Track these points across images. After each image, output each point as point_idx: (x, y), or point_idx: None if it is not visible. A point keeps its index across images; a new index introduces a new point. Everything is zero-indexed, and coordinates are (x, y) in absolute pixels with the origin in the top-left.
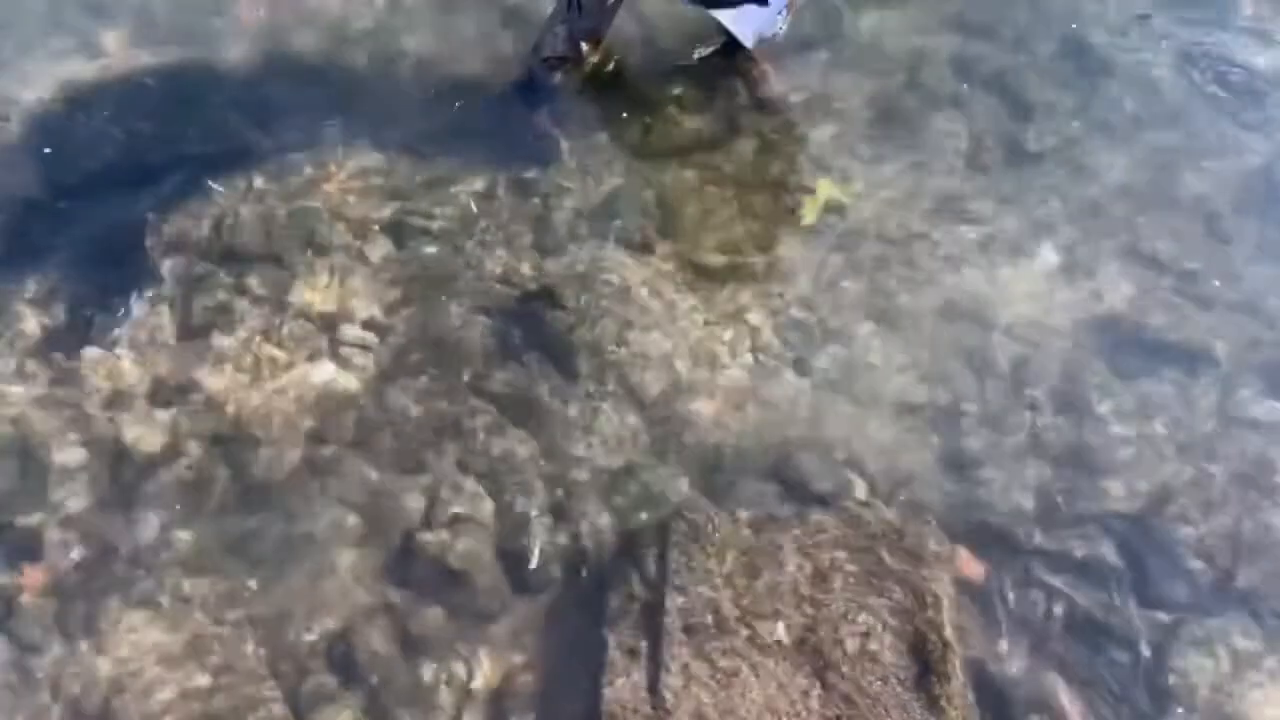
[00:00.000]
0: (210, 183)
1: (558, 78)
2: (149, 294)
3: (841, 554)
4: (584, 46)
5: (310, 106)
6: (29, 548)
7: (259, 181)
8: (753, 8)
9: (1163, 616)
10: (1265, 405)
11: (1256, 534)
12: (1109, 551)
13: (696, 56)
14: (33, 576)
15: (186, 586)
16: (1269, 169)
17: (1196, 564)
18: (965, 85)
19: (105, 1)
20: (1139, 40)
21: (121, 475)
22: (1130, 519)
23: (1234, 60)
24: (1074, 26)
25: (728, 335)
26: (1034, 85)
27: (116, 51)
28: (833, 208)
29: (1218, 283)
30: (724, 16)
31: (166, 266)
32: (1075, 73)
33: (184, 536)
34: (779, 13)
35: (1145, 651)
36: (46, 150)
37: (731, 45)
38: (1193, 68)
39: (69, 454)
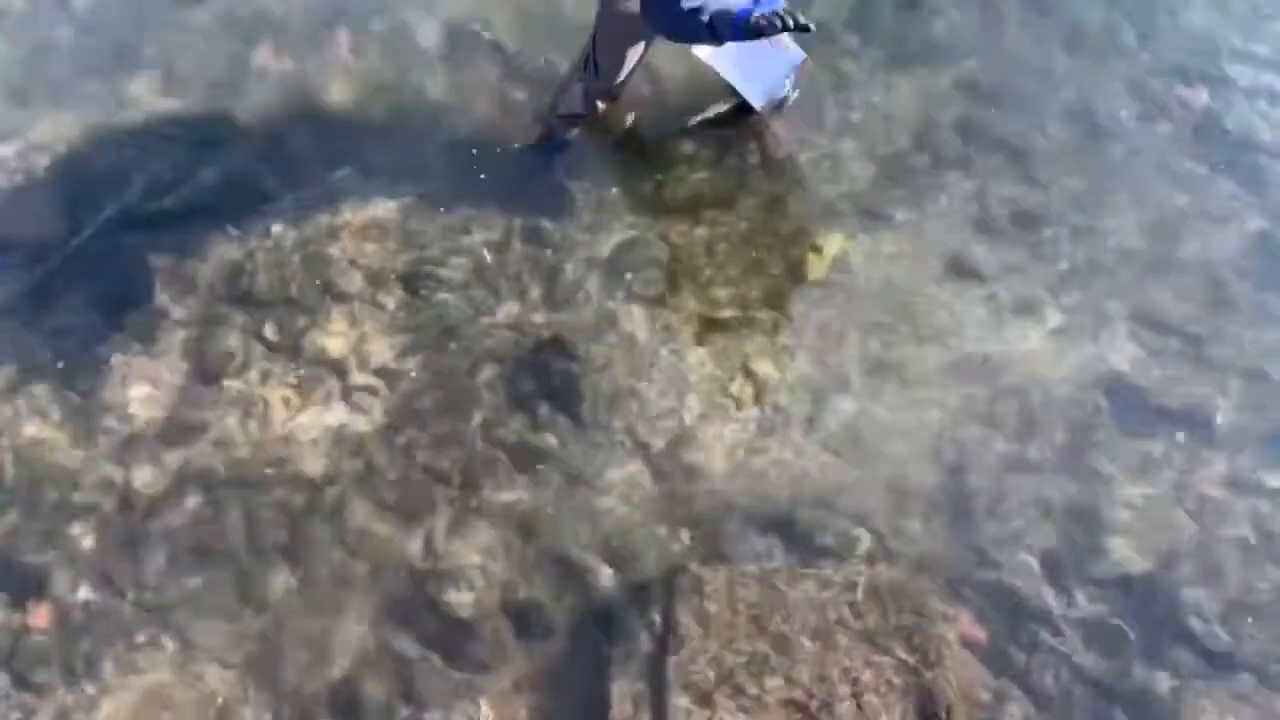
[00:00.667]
0: (229, 227)
1: (573, 134)
2: (163, 336)
3: (846, 611)
4: (599, 105)
5: (329, 155)
6: (36, 585)
7: (277, 228)
8: (763, 60)
9: (1168, 679)
10: (1270, 470)
11: (1262, 598)
12: (1114, 613)
13: (710, 115)
14: (39, 614)
15: (191, 629)
16: (1271, 236)
17: (1202, 627)
18: (972, 149)
19: (134, 50)
20: (1143, 108)
21: (130, 515)
22: (1136, 581)
23: (1236, 130)
24: (1080, 94)
25: (735, 388)
26: (1040, 150)
27: (143, 98)
28: (841, 265)
29: (1222, 347)
30: (734, 78)
31: (182, 309)
32: (1081, 138)
33: (190, 578)
34: (787, 76)
35: (1151, 715)
36: (70, 193)
37: (742, 106)
38: (1196, 136)
39: (79, 493)
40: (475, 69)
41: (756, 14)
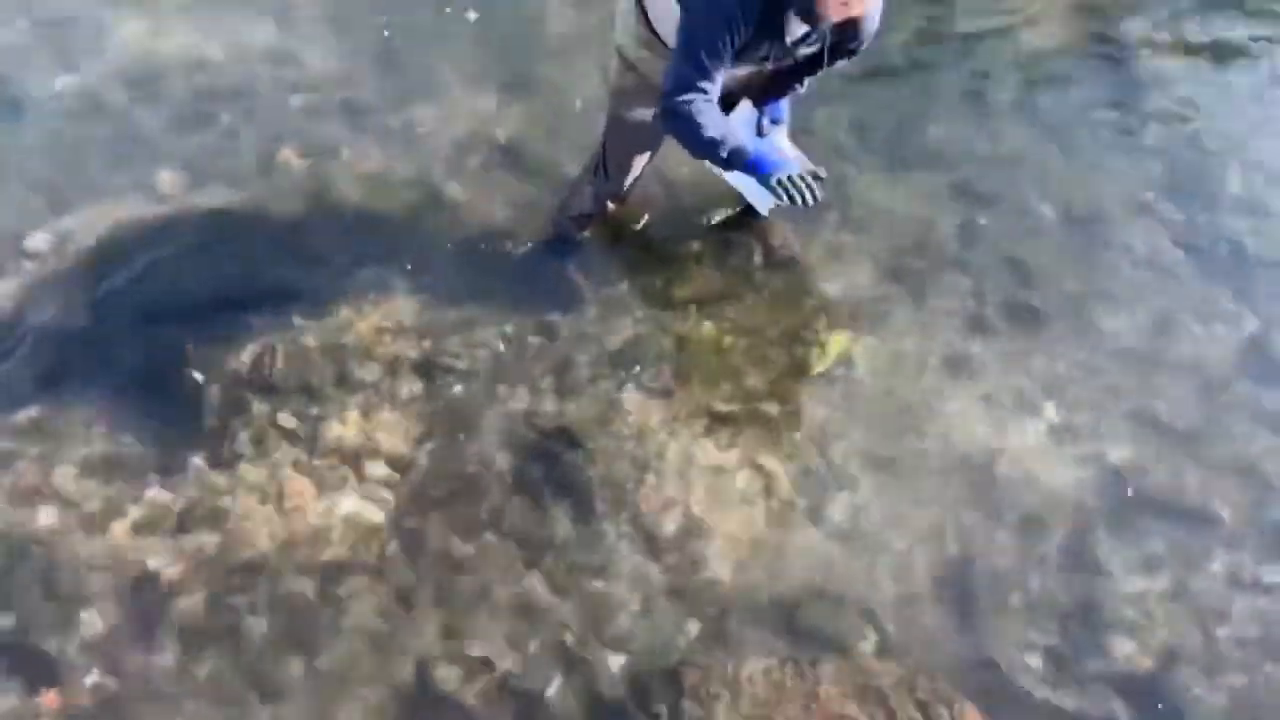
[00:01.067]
0: (251, 318)
1: (583, 233)
2: (183, 424)
3: (852, 705)
4: (609, 206)
5: (349, 251)
6: (48, 671)
7: (297, 319)
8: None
9: None
10: (1270, 568)
11: (1265, 696)
12: (1118, 711)
13: (718, 218)
14: (50, 700)
15: (201, 718)
16: (1263, 338)
17: None
18: (969, 250)
19: (165, 147)
20: (1136, 213)
21: (144, 602)
22: (1139, 679)
23: (1225, 235)
24: (1073, 199)
25: (741, 481)
26: (1036, 251)
27: (172, 194)
28: (844, 360)
29: (1219, 447)
30: (741, 185)
31: (203, 398)
32: (1076, 241)
33: (202, 666)
34: None
35: None
36: (98, 282)
37: (749, 209)
38: (1187, 241)
39: (93, 579)
40: (490, 169)
41: (780, 176)
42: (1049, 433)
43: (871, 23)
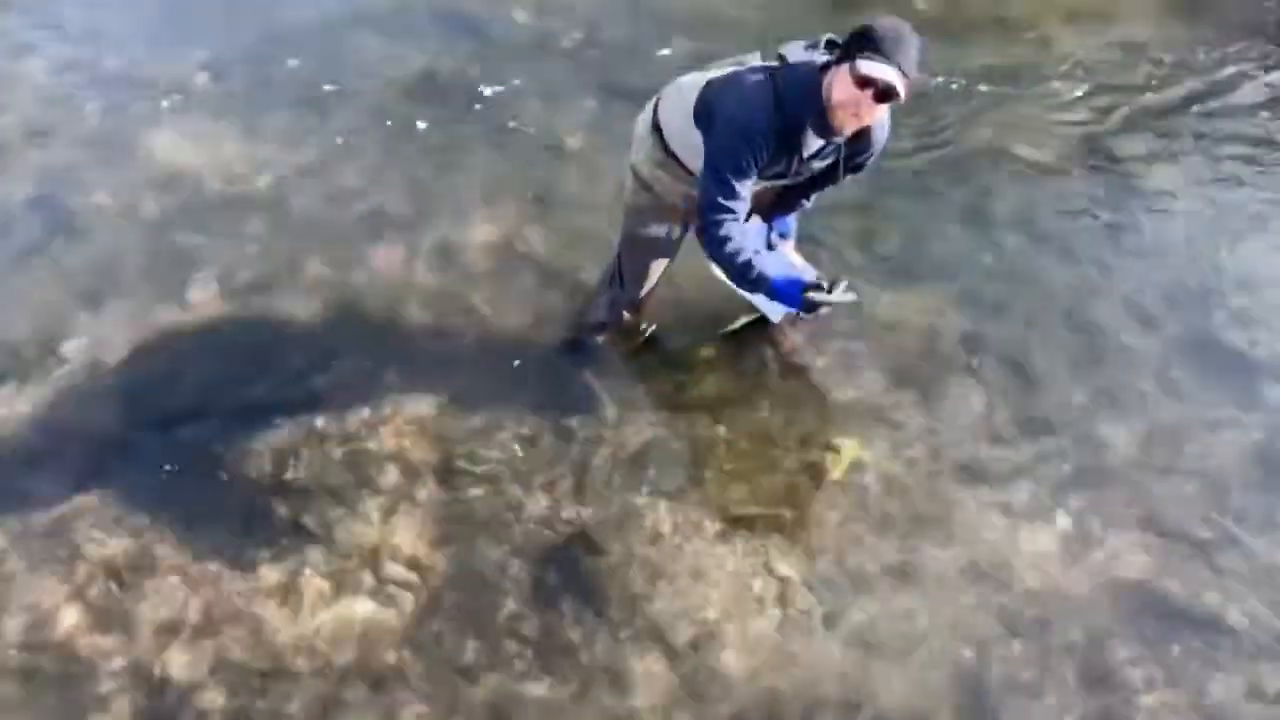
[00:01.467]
0: (276, 422)
1: (600, 340)
2: (205, 526)
3: None
4: (625, 314)
5: (372, 356)
6: None
7: (320, 423)
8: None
9: None
10: None
11: None
12: None
13: (733, 327)
14: None
15: None
16: (1268, 446)
17: None
18: (976, 358)
19: (196, 257)
20: (1137, 321)
21: (161, 704)
22: None
23: (1225, 343)
24: (1075, 307)
25: (757, 586)
26: (1041, 359)
27: (201, 302)
28: (857, 466)
29: (1231, 555)
30: (754, 297)
31: (226, 500)
32: (1080, 349)
33: None
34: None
35: None
36: (128, 389)
37: (761, 318)
38: (1188, 349)
39: (112, 680)
40: (510, 279)
41: (809, 299)
42: (1062, 540)
43: (881, 131)
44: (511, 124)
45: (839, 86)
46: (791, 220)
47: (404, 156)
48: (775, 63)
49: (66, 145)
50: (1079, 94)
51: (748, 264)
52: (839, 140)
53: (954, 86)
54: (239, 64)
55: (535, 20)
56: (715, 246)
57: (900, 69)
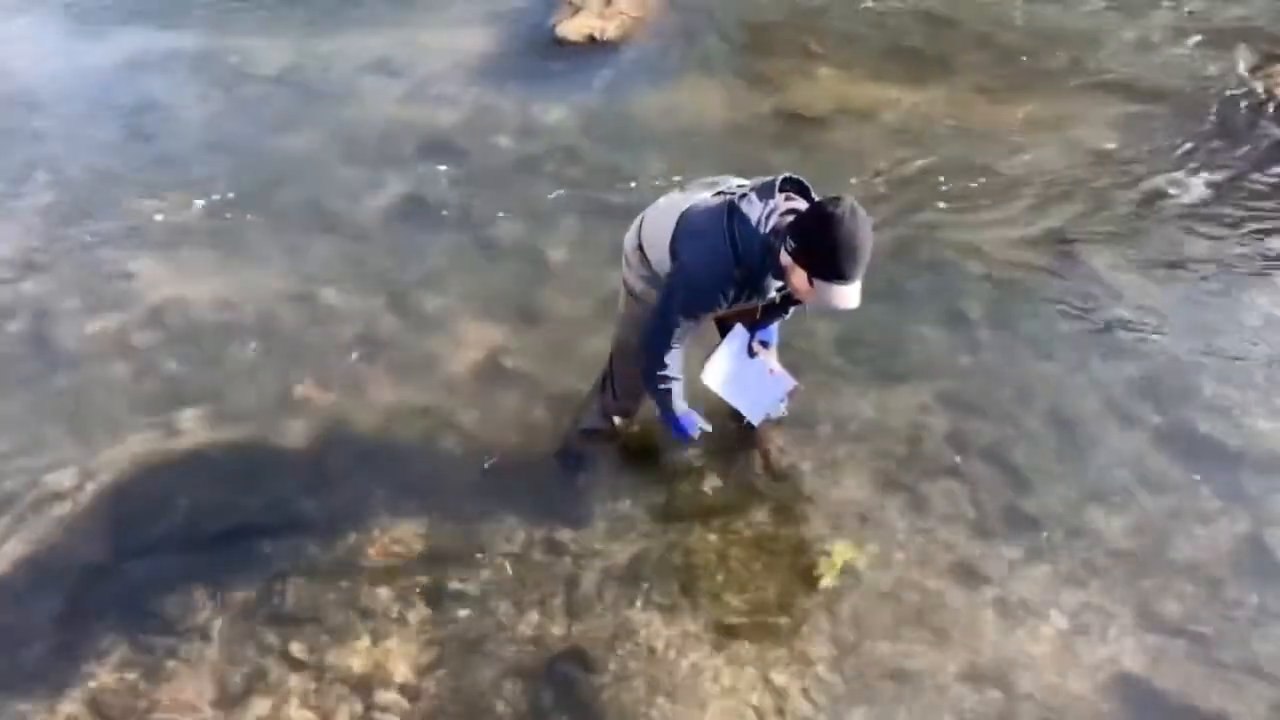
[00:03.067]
0: (265, 548)
1: (590, 448)
2: (193, 656)
3: None
4: (617, 421)
5: (362, 477)
6: None
7: (310, 547)
8: (762, 388)
9: None
10: None
11: None
12: None
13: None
14: None
15: None
16: (1257, 536)
17: None
18: (961, 457)
19: (186, 385)
20: (1117, 415)
21: None
22: None
23: (1204, 434)
24: (1055, 403)
25: (755, 699)
26: (1025, 456)
27: (190, 429)
28: (849, 569)
29: (1230, 649)
30: (737, 403)
31: (214, 629)
32: (1064, 444)
33: None
34: (781, 399)
35: None
36: (117, 518)
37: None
38: (1169, 441)
39: None
40: (496, 394)
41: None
42: (1059, 638)
43: None
44: (496, 243)
45: (797, 280)
46: (774, 330)
47: (390, 278)
48: (739, 194)
49: (56, 277)
50: (1043, 196)
51: (667, 393)
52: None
53: (923, 190)
54: (227, 195)
55: (517, 144)
56: (650, 365)
57: (859, 280)
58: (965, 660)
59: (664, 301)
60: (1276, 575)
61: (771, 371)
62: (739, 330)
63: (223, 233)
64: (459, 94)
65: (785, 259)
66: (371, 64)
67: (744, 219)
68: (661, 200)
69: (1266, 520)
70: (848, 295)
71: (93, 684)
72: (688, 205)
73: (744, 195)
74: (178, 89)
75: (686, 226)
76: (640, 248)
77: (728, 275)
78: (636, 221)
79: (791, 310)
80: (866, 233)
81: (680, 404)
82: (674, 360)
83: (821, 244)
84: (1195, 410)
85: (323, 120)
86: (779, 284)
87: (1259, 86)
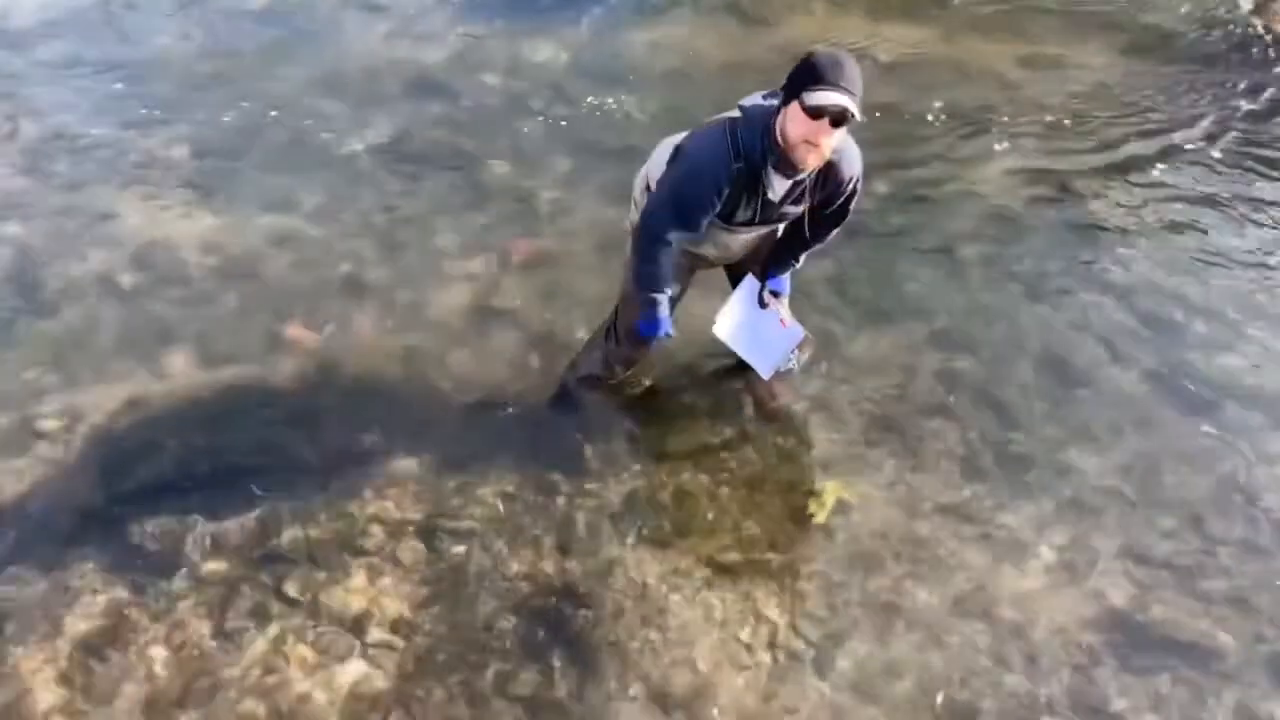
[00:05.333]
0: (256, 489)
1: (588, 394)
2: (188, 596)
3: None
4: (617, 370)
5: (354, 419)
6: None
7: (300, 488)
8: (771, 337)
9: None
10: (1277, 701)
11: None
12: None
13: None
14: None
15: None
16: (1240, 473)
17: None
18: (952, 397)
19: (173, 327)
20: (1107, 355)
21: None
22: None
23: (1195, 373)
24: (1046, 342)
25: (746, 633)
26: (1015, 396)
27: (179, 371)
28: (840, 508)
29: (1213, 581)
30: (745, 353)
31: (208, 570)
32: (1053, 384)
33: None
34: (791, 351)
35: None
36: (107, 461)
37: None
38: (1159, 380)
39: None
40: (487, 335)
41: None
42: (1046, 572)
43: (850, 167)
44: (485, 183)
45: (792, 123)
46: (785, 280)
47: (378, 219)
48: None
49: (41, 218)
50: (1040, 135)
51: (654, 280)
52: (805, 178)
53: (918, 129)
54: (212, 135)
55: (506, 82)
56: (646, 250)
57: (847, 90)
58: (953, 596)
59: (656, 197)
60: (1261, 511)
61: (783, 322)
62: (750, 280)
63: (208, 173)
64: (445, 31)
65: (779, 121)
66: (356, 1)
67: (747, 117)
68: (667, 138)
69: (1253, 459)
70: (836, 97)
71: (86, 625)
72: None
73: (748, 103)
74: (160, 28)
75: (688, 139)
76: (648, 187)
77: (724, 167)
78: (643, 168)
79: (802, 257)
80: (846, 56)
81: (661, 311)
82: (667, 263)
83: (802, 65)
84: (1186, 350)
85: (308, 59)
86: (784, 187)
87: (1259, 23)
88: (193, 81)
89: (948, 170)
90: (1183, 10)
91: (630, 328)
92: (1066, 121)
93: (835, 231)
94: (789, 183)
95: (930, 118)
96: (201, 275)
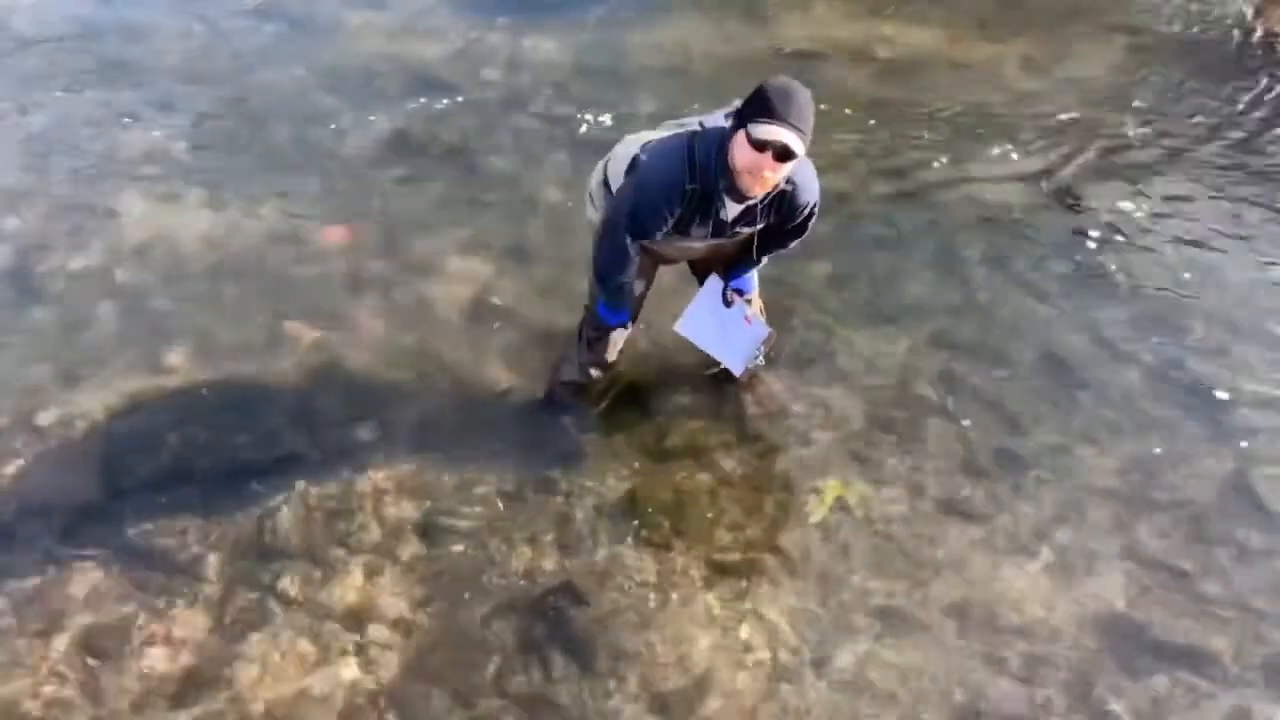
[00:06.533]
0: (255, 486)
1: (575, 395)
2: (186, 593)
3: None
4: (594, 374)
5: (352, 415)
6: None
7: (300, 484)
8: (738, 336)
9: None
10: (1276, 704)
11: None
12: None
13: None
14: None
15: None
16: (1240, 474)
17: None
18: (952, 397)
19: (173, 323)
20: (1107, 356)
21: None
22: None
23: (1194, 376)
24: (1046, 344)
25: (745, 633)
26: (1015, 397)
27: (178, 366)
28: (840, 508)
29: (1212, 583)
30: (714, 352)
31: (206, 566)
32: (1053, 385)
33: None
34: (757, 348)
35: None
36: (106, 457)
37: (724, 372)
38: (1158, 381)
39: None
40: (486, 332)
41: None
42: (1045, 574)
43: (806, 194)
44: (485, 180)
45: (739, 151)
46: (750, 278)
47: (377, 215)
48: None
49: (40, 213)
50: (1040, 136)
51: (619, 283)
52: (756, 203)
53: (918, 129)
54: (213, 131)
55: (507, 79)
56: (609, 253)
57: (794, 126)
58: (952, 597)
59: (613, 205)
60: (1260, 513)
61: (748, 319)
62: (714, 279)
63: (208, 169)
64: (447, 27)
65: (730, 147)
66: None
67: (705, 137)
68: (628, 136)
69: (1252, 460)
70: (780, 132)
71: (85, 621)
72: (652, 137)
73: (710, 121)
74: (161, 23)
75: (648, 148)
76: (605, 183)
77: (677, 189)
78: (602, 161)
79: (764, 260)
80: (798, 88)
81: (624, 300)
82: (631, 270)
83: (754, 94)
84: (1185, 351)
85: (309, 55)
86: (738, 210)
87: (1260, 28)
88: (194, 77)
89: (948, 170)
90: (1183, 12)
91: (594, 315)
92: (1067, 122)
93: (796, 241)
94: (741, 206)
95: (930, 117)
96: (201, 271)
